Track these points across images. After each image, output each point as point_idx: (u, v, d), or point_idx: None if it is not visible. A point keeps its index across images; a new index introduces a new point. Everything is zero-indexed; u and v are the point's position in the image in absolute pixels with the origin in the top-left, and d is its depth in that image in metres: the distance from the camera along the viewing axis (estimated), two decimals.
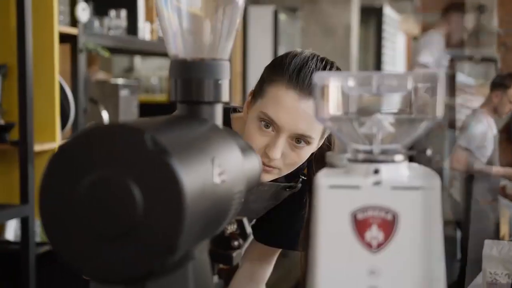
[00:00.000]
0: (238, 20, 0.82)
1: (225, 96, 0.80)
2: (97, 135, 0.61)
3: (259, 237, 1.55)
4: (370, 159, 0.69)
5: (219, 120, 0.80)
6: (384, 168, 0.68)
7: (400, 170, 0.69)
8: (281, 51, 5.92)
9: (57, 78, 2.49)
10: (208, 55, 0.80)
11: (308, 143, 1.29)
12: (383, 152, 0.70)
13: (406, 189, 0.66)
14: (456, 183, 4.71)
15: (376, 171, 0.68)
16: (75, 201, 0.61)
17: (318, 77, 0.69)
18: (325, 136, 1.36)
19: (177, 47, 0.80)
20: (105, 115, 2.95)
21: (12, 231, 2.62)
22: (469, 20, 4.55)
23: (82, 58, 2.66)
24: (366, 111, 0.72)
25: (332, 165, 0.79)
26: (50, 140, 2.50)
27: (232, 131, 0.84)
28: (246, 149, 0.83)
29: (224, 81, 0.80)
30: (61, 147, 0.62)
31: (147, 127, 0.61)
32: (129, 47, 3.17)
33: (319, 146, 1.37)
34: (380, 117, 0.70)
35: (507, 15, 5.30)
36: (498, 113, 4.29)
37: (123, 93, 3.03)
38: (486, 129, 4.24)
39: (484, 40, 5.00)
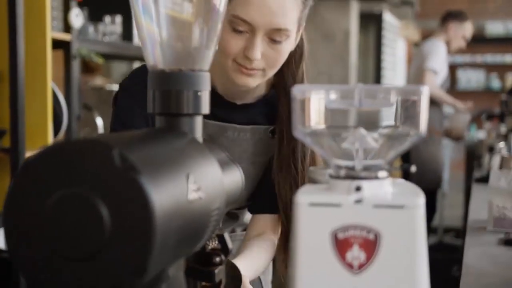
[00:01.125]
0: (219, 28, 0.79)
1: (205, 108, 0.78)
2: (65, 151, 0.58)
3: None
4: (352, 175, 0.67)
5: (199, 132, 0.77)
6: (366, 185, 0.65)
7: (383, 187, 0.67)
8: None
9: (50, 84, 2.46)
10: (187, 65, 0.77)
11: (286, 36, 1.24)
12: (366, 168, 0.67)
13: (389, 207, 0.64)
14: None
15: (358, 188, 0.65)
16: (40, 218, 0.58)
17: (298, 90, 0.67)
18: (302, 28, 1.32)
19: (155, 57, 0.77)
20: (99, 122, 2.92)
21: (2, 239, 2.59)
22: (470, 29, 4.55)
23: (75, 64, 2.63)
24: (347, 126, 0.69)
25: (314, 181, 0.76)
26: (42, 147, 2.47)
27: (212, 145, 0.81)
28: (227, 162, 0.80)
29: (204, 93, 0.77)
30: (28, 162, 0.59)
31: (117, 142, 0.59)
32: (124, 53, 3.14)
33: (297, 42, 1.34)
34: (362, 132, 0.67)
35: None
36: (450, 47, 4.47)
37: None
38: (445, 54, 4.41)
39: None
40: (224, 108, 1.39)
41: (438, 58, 4.30)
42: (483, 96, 10.11)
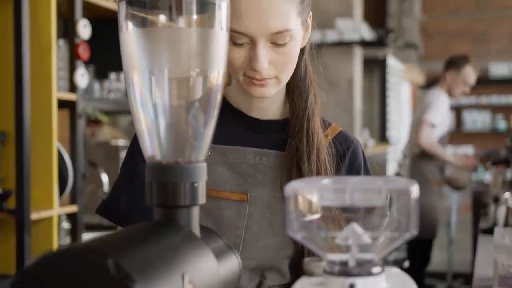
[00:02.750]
0: (214, 121, 0.80)
1: (202, 199, 0.79)
2: (59, 259, 0.59)
3: None
4: (345, 272, 0.67)
5: (195, 223, 0.78)
6: (360, 282, 0.66)
7: (377, 284, 0.67)
8: None
9: (55, 144, 2.48)
10: (184, 157, 0.79)
11: (289, 37, 1.15)
12: (359, 263, 0.68)
13: None
14: (406, 161, 4.80)
15: (352, 286, 0.66)
16: None
17: (290, 188, 0.68)
18: (310, 20, 1.23)
19: (153, 149, 0.79)
20: (104, 178, 2.94)
21: None
22: (471, 73, 4.54)
23: (81, 123, 2.66)
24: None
25: (309, 273, 0.77)
26: (47, 207, 2.48)
27: (208, 233, 0.81)
28: (223, 250, 0.81)
29: (201, 183, 0.79)
30: (24, 270, 0.60)
31: (112, 249, 0.60)
32: (128, 110, 3.17)
33: (306, 37, 1.24)
34: (355, 227, 0.68)
35: None
36: (453, 94, 4.44)
37: (124, 154, 3.02)
38: (447, 107, 4.40)
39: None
40: (246, 127, 1.28)
41: (438, 110, 4.30)
42: (489, 137, 10.13)
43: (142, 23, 0.76)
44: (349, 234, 0.68)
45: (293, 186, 0.68)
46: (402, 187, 0.67)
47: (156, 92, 0.77)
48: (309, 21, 1.24)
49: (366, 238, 0.68)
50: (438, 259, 6.42)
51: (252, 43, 1.14)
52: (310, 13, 1.24)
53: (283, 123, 1.29)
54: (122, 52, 0.78)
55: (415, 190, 0.66)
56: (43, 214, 2.45)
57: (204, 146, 0.80)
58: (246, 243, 1.19)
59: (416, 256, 4.29)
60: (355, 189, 0.67)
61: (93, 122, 3.68)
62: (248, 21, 1.12)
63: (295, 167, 1.21)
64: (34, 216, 2.39)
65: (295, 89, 1.29)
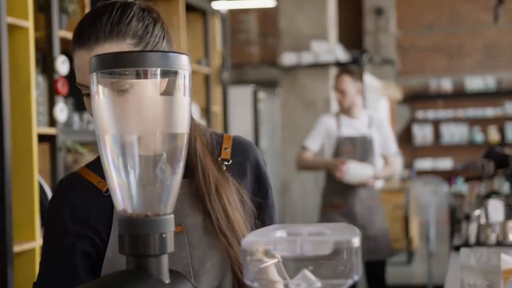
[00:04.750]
0: (180, 175, 0.88)
1: (170, 247, 0.87)
2: None
3: None
4: None
5: (165, 270, 0.86)
6: None
7: None
8: (262, 128, 6.03)
9: (36, 178, 2.55)
10: (154, 210, 0.86)
11: (130, 85, 1.11)
12: None
13: None
14: None
15: None
16: None
17: (246, 242, 0.76)
18: None
19: (124, 204, 0.87)
20: None
21: None
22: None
23: (61, 156, 2.73)
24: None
25: None
26: (29, 239, 2.54)
27: (177, 277, 0.89)
28: None
29: (169, 233, 0.86)
30: None
31: None
32: None
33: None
34: (307, 274, 0.76)
35: None
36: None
37: None
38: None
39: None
40: None
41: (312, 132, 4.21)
42: (467, 150, 10.30)
43: (112, 92, 0.84)
44: (301, 280, 0.76)
45: (249, 240, 0.76)
46: (346, 238, 0.75)
47: (126, 153, 0.85)
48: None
49: (317, 283, 0.76)
50: (418, 272, 6.52)
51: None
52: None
53: None
54: (94, 117, 0.86)
55: (356, 241, 0.74)
56: (25, 246, 2.51)
57: (171, 199, 0.88)
58: (195, 269, 1.26)
59: (374, 278, 4.32)
60: (304, 241, 0.75)
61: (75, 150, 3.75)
62: (80, 74, 1.20)
63: (201, 206, 1.27)
64: (17, 248, 2.45)
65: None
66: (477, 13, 10.05)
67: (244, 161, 1.35)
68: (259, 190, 1.36)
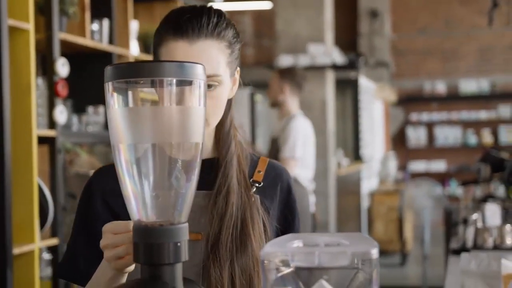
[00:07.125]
0: (194, 184, 0.89)
1: (184, 256, 0.87)
2: None
3: None
4: None
5: (179, 278, 0.86)
6: None
7: None
8: (259, 131, 6.03)
9: (36, 180, 2.54)
10: (168, 219, 0.87)
11: (219, 82, 1.21)
12: None
13: None
14: None
15: None
16: None
17: (265, 253, 0.76)
18: (237, 75, 1.29)
19: (139, 213, 0.87)
20: None
21: None
22: None
23: (60, 158, 2.72)
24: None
25: None
26: (29, 242, 2.53)
27: (191, 285, 0.89)
28: None
29: (183, 242, 0.87)
30: None
31: None
32: (107, 141, 3.24)
33: (233, 90, 1.30)
34: (324, 284, 0.76)
35: None
36: None
37: None
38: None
39: None
40: None
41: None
42: (461, 152, 10.32)
43: (127, 102, 0.85)
44: None
45: (267, 250, 0.76)
46: (364, 250, 0.75)
47: (141, 162, 0.85)
48: (237, 76, 1.32)
49: None
50: (411, 274, 6.54)
51: None
52: (238, 69, 1.31)
53: (211, 162, 1.31)
54: (110, 127, 0.87)
55: (375, 252, 0.74)
56: (25, 248, 2.50)
57: (186, 208, 0.88)
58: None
59: None
60: (323, 252, 0.75)
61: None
62: None
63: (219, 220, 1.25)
64: (16, 251, 2.44)
65: (220, 140, 1.32)
66: (471, 17, 10.07)
67: (275, 186, 1.34)
68: (287, 216, 1.35)
